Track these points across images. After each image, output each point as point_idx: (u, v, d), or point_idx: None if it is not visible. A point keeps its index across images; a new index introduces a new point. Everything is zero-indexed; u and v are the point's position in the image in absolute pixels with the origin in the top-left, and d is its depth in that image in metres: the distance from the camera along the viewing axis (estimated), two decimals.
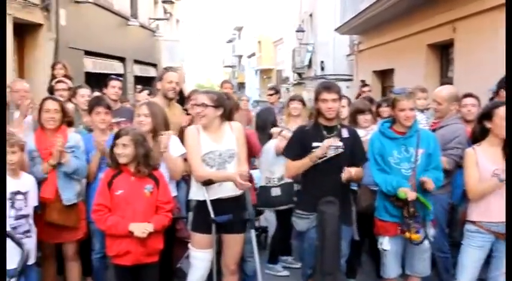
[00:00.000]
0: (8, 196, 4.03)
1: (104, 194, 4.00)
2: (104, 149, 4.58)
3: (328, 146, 4.31)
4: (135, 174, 4.05)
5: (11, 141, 4.03)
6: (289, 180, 5.50)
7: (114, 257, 4.05)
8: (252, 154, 5.12)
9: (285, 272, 6.07)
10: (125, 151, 3.99)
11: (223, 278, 4.52)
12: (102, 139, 4.73)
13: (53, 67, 7.77)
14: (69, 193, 4.60)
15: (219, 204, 4.29)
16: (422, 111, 5.84)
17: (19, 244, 2.83)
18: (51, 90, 6.69)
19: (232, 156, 4.36)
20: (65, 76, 7.26)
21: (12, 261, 2.96)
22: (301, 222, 4.50)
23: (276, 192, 5.74)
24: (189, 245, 4.50)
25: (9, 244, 3.10)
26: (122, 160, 3.99)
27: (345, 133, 4.49)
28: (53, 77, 7.48)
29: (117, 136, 4.03)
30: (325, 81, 5.31)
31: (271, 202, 5.81)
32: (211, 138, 4.34)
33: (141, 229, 3.93)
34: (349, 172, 4.32)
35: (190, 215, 4.54)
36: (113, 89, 6.49)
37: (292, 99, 6.25)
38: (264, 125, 6.20)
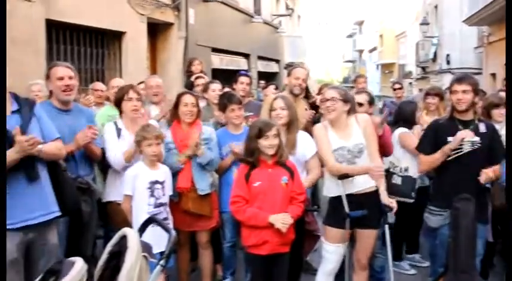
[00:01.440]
0: (147, 185, 4.31)
1: (241, 186, 4.09)
2: (238, 152, 4.67)
3: (462, 139, 4.17)
4: (273, 166, 4.14)
5: (155, 133, 4.29)
6: (414, 175, 5.37)
7: (251, 247, 4.13)
8: (384, 152, 4.97)
9: (413, 271, 5.94)
10: (273, 142, 4.07)
11: (354, 272, 4.51)
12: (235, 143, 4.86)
13: (190, 64, 8.10)
14: (204, 183, 4.79)
15: (354, 199, 4.29)
16: None
17: (166, 228, 3.00)
18: (190, 85, 7.00)
19: (361, 151, 4.33)
20: (201, 72, 7.57)
21: (159, 245, 3.15)
22: (434, 218, 4.39)
23: (396, 180, 5.58)
24: (322, 238, 4.54)
25: (155, 229, 3.30)
26: (270, 152, 4.07)
27: (482, 128, 4.31)
28: (191, 73, 7.80)
29: (263, 129, 4.06)
30: (461, 73, 5.13)
31: (388, 188, 5.68)
32: (339, 135, 4.33)
33: (281, 220, 3.99)
34: (487, 176, 4.14)
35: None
36: (241, 85, 6.67)
37: (427, 93, 6.06)
38: (408, 118, 5.92)
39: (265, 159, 4.10)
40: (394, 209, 4.22)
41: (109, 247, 2.94)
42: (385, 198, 4.26)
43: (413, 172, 5.43)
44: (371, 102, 5.33)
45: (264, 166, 4.11)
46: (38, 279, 2.73)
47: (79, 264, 2.62)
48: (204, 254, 5.05)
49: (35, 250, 3.58)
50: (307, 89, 6.27)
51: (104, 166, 4.83)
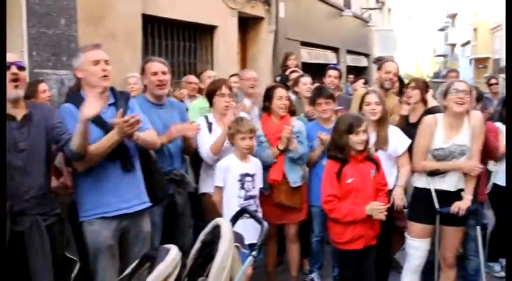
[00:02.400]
0: (237, 177, 4.36)
1: (333, 185, 4.06)
2: (325, 139, 4.66)
3: None
4: (362, 161, 4.11)
5: (248, 127, 4.34)
6: None
7: (346, 243, 4.11)
8: (488, 155, 4.76)
9: (502, 273, 5.70)
10: (363, 138, 4.04)
11: (441, 271, 4.40)
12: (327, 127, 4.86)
13: (286, 58, 8.13)
14: (295, 175, 4.81)
15: (442, 195, 4.18)
16: None
17: (258, 220, 3.03)
18: (285, 79, 7.05)
19: (462, 153, 4.20)
20: (296, 66, 7.60)
21: (249, 237, 3.19)
22: None
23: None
24: (406, 234, 4.45)
25: (245, 220, 3.36)
26: (360, 147, 4.04)
27: None
28: (286, 67, 7.85)
29: (354, 125, 4.03)
30: None
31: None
32: (446, 134, 4.20)
33: (376, 209, 3.98)
34: None
35: None
36: (329, 78, 6.65)
37: None
38: None
39: (355, 154, 4.06)
40: None
41: (202, 236, 3.01)
42: (465, 204, 4.14)
43: None
44: (479, 98, 5.13)
45: (355, 162, 4.07)
46: (134, 264, 2.85)
47: (174, 251, 2.71)
48: (291, 247, 5.07)
49: (130, 237, 3.73)
50: (401, 83, 6.15)
51: (194, 159, 4.94)
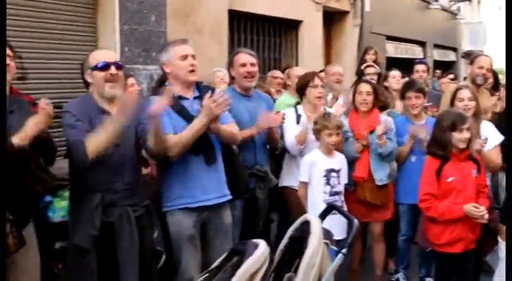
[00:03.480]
0: (323, 173, 4.33)
1: (431, 183, 3.97)
2: (423, 138, 4.54)
3: None
4: (464, 159, 3.97)
5: (336, 123, 4.30)
6: None
7: (444, 245, 4.01)
8: None
9: None
10: (467, 136, 3.91)
11: None
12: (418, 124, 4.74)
13: (365, 52, 8.01)
14: (381, 174, 4.71)
15: None
16: None
17: (348, 217, 3.00)
18: (361, 74, 6.93)
19: None
20: (374, 62, 7.45)
21: (336, 234, 3.16)
22: None
23: None
24: (499, 237, 4.27)
25: (333, 217, 3.33)
26: (462, 145, 3.92)
27: None
28: (363, 61, 7.72)
29: (457, 122, 3.92)
30: None
31: None
32: None
33: (475, 210, 3.86)
34: None
35: None
36: (417, 74, 6.49)
37: None
38: None
39: (456, 152, 3.93)
40: None
41: (290, 232, 3.01)
42: None
43: None
44: None
45: (456, 160, 3.95)
46: (222, 257, 2.87)
47: (262, 246, 2.71)
48: (377, 246, 4.97)
49: (211, 229, 3.79)
50: (496, 79, 5.91)
51: (273, 152, 4.94)
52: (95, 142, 3.08)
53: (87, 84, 4.10)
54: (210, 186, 3.71)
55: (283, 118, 4.43)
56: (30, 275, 3.17)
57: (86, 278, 3.17)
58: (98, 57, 3.33)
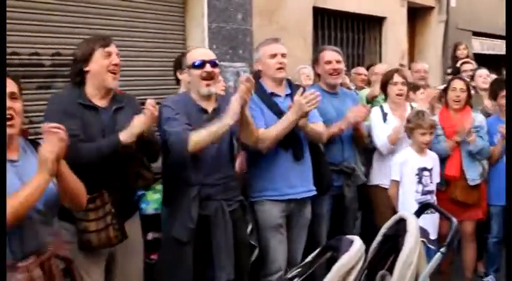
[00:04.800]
0: (415, 171, 4.26)
1: None
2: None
3: None
4: None
5: (429, 123, 4.23)
6: None
7: None
8: None
9: None
10: None
11: None
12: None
13: (455, 48, 7.79)
14: (473, 173, 4.60)
15: None
16: None
17: (446, 216, 2.93)
18: (457, 71, 6.77)
19: None
20: (467, 57, 7.25)
21: (432, 232, 3.10)
22: None
23: None
24: None
25: (427, 216, 3.27)
26: None
27: None
28: (455, 58, 7.52)
29: None
30: None
31: None
32: None
33: None
34: None
35: None
36: None
37: None
38: None
39: None
40: None
41: (384, 230, 2.98)
42: None
43: None
44: None
45: None
46: (315, 252, 2.89)
47: (358, 243, 2.70)
48: (468, 246, 4.84)
49: (293, 220, 3.87)
50: None
51: (365, 149, 4.89)
52: (198, 138, 3.17)
53: (178, 82, 4.25)
54: (296, 181, 3.79)
55: (369, 111, 4.39)
56: (132, 267, 3.27)
57: (182, 270, 3.26)
58: (195, 55, 3.42)
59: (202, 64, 3.34)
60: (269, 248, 3.70)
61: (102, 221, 2.97)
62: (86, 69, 3.07)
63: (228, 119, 3.18)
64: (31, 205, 2.23)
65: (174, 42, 5.51)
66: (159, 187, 3.87)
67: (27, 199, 2.21)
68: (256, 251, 3.57)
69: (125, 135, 2.94)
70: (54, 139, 2.26)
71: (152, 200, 4.10)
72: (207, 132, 3.19)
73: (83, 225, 2.96)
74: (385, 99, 4.83)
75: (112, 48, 3.11)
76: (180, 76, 4.17)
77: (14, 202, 2.18)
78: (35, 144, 2.50)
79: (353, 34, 8.87)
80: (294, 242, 3.90)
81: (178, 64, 4.17)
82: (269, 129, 3.61)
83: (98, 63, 3.05)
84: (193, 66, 3.35)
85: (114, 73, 3.09)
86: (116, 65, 3.09)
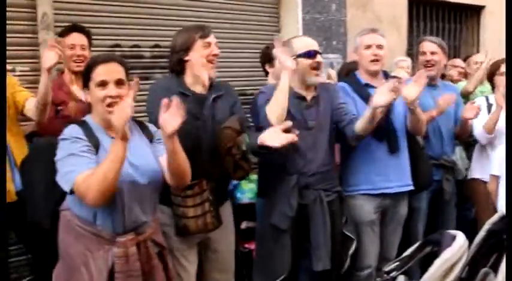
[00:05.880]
0: None
1: None
2: None
3: None
4: None
5: None
6: None
7: None
8: None
9: None
10: None
11: None
12: None
13: None
14: None
15: None
16: None
17: None
18: None
19: None
20: None
21: None
22: None
23: None
24: None
25: None
26: None
27: None
28: None
29: None
30: None
31: None
32: None
33: None
34: None
35: None
36: None
37: None
38: None
39: None
40: None
41: (487, 225, 2.87)
42: None
43: None
44: None
45: None
46: (415, 246, 2.83)
47: (461, 238, 2.62)
48: None
49: (388, 216, 3.80)
50: None
51: (465, 143, 4.73)
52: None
53: (266, 74, 4.27)
54: (391, 174, 3.70)
55: (479, 109, 4.22)
56: (225, 253, 3.33)
57: (281, 258, 3.29)
58: (303, 44, 3.41)
59: (313, 54, 3.35)
60: (361, 243, 3.66)
61: (200, 208, 3.03)
62: (186, 58, 3.13)
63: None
64: (114, 170, 2.26)
65: (267, 33, 5.55)
66: (253, 176, 3.91)
67: (110, 163, 2.25)
68: (354, 244, 3.52)
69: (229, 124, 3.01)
70: (124, 106, 2.28)
71: (247, 189, 4.16)
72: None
73: (180, 210, 3.04)
74: (493, 90, 4.64)
75: (211, 39, 3.16)
76: (269, 70, 4.20)
77: (99, 170, 2.25)
78: (142, 125, 2.58)
79: (449, 24, 8.58)
80: (388, 237, 3.85)
81: (266, 57, 4.20)
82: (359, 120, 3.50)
83: (198, 53, 3.11)
84: (304, 55, 3.34)
85: (213, 63, 3.14)
86: (215, 55, 3.14)
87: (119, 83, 2.46)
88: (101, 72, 2.47)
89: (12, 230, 3.42)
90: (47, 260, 3.47)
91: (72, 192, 2.33)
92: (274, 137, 2.95)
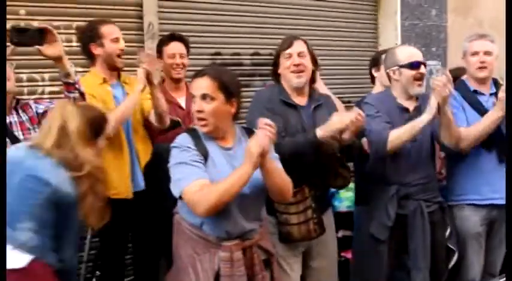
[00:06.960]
0: None
1: None
2: None
3: None
4: None
5: None
6: None
7: None
8: None
9: None
10: None
11: None
12: None
13: None
14: None
15: None
16: None
17: None
18: None
19: None
20: None
21: None
22: None
23: None
24: None
25: None
26: None
27: None
28: None
29: None
30: None
31: None
32: None
33: None
34: None
35: None
36: None
37: None
38: None
39: None
40: None
41: None
42: None
43: None
44: None
45: None
46: None
47: None
48: None
49: (495, 228, 3.65)
50: None
51: None
52: (394, 136, 3.16)
53: (372, 80, 4.23)
54: (500, 184, 3.49)
55: None
56: (328, 262, 3.33)
57: (378, 269, 3.27)
58: (408, 55, 3.37)
59: (418, 65, 3.31)
60: (465, 256, 3.55)
61: (303, 215, 3.05)
62: (279, 71, 3.23)
63: (425, 115, 3.13)
64: (234, 191, 2.34)
65: (366, 40, 5.53)
66: (351, 185, 3.88)
67: (232, 185, 2.33)
68: (455, 257, 3.43)
69: (322, 131, 2.98)
70: (263, 135, 2.35)
71: (345, 198, 4.14)
72: (403, 130, 3.17)
73: (283, 217, 3.06)
74: None
75: (292, 50, 3.19)
76: (375, 74, 4.15)
77: (219, 187, 2.33)
78: (250, 131, 2.64)
79: None
80: (494, 251, 3.69)
81: (375, 62, 4.16)
82: (470, 128, 3.43)
83: (283, 65, 3.19)
84: (409, 66, 3.31)
85: (296, 73, 3.17)
86: (296, 65, 3.17)
87: (204, 97, 2.51)
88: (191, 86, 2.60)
89: (126, 226, 3.55)
90: (149, 261, 3.64)
91: (180, 197, 2.43)
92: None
